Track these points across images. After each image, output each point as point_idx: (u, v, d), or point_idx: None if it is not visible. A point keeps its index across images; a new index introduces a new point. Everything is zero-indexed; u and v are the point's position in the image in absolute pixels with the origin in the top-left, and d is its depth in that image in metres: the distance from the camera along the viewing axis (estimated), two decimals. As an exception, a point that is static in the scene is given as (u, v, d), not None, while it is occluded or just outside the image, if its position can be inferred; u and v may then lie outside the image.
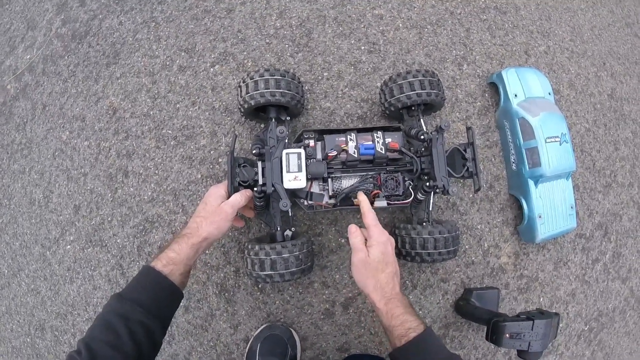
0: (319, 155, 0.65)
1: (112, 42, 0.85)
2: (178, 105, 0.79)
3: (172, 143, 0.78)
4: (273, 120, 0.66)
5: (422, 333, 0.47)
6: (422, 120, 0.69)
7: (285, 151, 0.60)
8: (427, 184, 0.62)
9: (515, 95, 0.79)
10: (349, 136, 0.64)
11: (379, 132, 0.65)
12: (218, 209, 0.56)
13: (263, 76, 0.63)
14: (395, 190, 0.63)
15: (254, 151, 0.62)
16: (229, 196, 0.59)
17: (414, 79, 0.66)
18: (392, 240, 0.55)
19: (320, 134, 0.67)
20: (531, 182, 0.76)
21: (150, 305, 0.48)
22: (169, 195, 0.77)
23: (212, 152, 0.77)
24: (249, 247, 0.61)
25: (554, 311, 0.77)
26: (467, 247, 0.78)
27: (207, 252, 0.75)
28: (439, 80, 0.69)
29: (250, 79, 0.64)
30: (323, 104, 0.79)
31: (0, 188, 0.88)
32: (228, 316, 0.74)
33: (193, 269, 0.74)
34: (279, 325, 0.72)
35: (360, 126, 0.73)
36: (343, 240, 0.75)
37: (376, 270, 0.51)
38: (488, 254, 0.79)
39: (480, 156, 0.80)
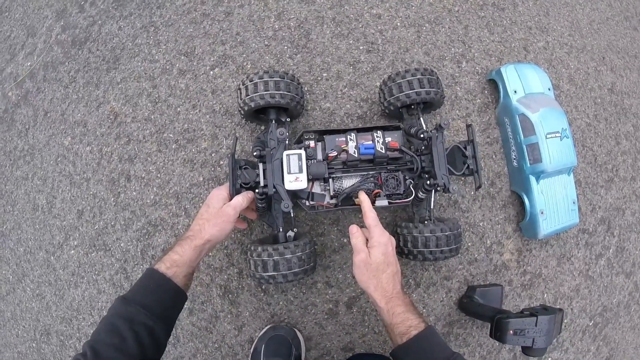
0: (320, 156, 0.65)
1: (111, 47, 0.86)
2: (179, 109, 0.80)
3: (173, 147, 0.78)
4: (273, 122, 0.66)
5: (424, 331, 0.47)
6: (421, 118, 0.69)
7: (285, 152, 0.61)
8: (428, 182, 0.62)
9: (515, 92, 0.79)
10: (348, 136, 0.64)
11: (378, 131, 0.65)
12: (220, 211, 0.57)
13: (262, 78, 0.64)
14: (396, 189, 0.64)
15: (254, 153, 0.62)
16: (231, 198, 0.59)
17: (413, 78, 0.66)
18: (393, 240, 0.56)
19: (321, 134, 0.67)
20: (532, 178, 0.76)
21: (154, 307, 0.49)
22: (171, 199, 0.77)
23: (213, 155, 0.77)
24: (252, 248, 0.61)
25: (557, 307, 0.77)
26: (469, 244, 0.78)
27: (210, 254, 0.75)
28: (438, 78, 0.69)
29: (250, 82, 0.64)
30: (323, 104, 0.79)
31: (3, 194, 0.88)
32: (232, 318, 0.75)
33: (197, 272, 0.75)
34: (283, 325, 0.73)
35: (360, 126, 0.73)
36: (345, 240, 0.76)
37: (377, 271, 0.51)
38: (491, 251, 0.79)
39: (481, 153, 0.80)
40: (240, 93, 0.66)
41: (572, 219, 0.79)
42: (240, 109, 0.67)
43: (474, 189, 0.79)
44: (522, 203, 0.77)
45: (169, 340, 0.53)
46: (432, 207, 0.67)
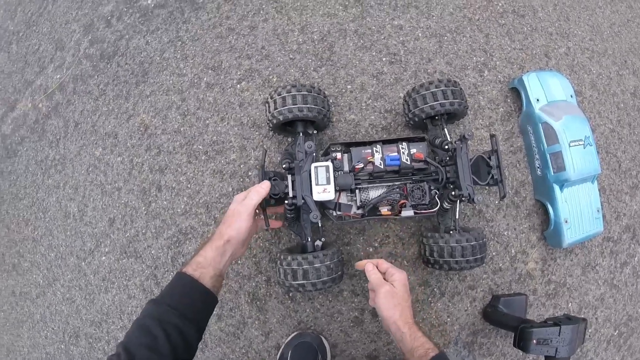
0: (346, 168, 0.67)
1: (140, 61, 0.89)
2: (207, 122, 0.82)
3: (203, 158, 0.81)
4: (301, 134, 0.68)
5: (440, 354, 0.52)
6: (445, 129, 0.70)
7: (314, 165, 0.62)
8: (453, 193, 0.63)
9: (537, 100, 0.79)
10: (374, 148, 0.66)
11: (403, 143, 0.66)
12: (233, 210, 0.59)
13: (290, 92, 0.66)
14: (422, 199, 0.65)
15: (283, 165, 0.64)
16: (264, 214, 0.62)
17: (436, 90, 0.67)
18: (405, 274, 0.61)
19: (347, 146, 0.69)
20: (556, 187, 0.75)
21: (184, 309, 0.50)
22: (201, 208, 0.80)
23: (242, 166, 0.80)
24: (281, 257, 0.63)
25: (581, 316, 0.77)
26: (494, 253, 0.78)
27: (239, 262, 0.77)
28: (461, 89, 0.70)
29: (278, 95, 0.66)
30: (348, 116, 0.81)
31: (35, 202, 0.92)
32: (260, 324, 0.76)
33: (226, 279, 0.77)
34: (310, 332, 0.74)
35: (384, 137, 0.74)
36: (371, 250, 0.77)
37: (402, 300, 0.57)
38: (515, 260, 0.79)
39: (504, 162, 0.81)
40: (269, 106, 0.68)
41: (597, 227, 0.78)
42: (268, 121, 0.69)
43: (498, 199, 0.79)
44: (547, 212, 0.77)
45: (200, 344, 0.54)
46: (457, 217, 0.68)
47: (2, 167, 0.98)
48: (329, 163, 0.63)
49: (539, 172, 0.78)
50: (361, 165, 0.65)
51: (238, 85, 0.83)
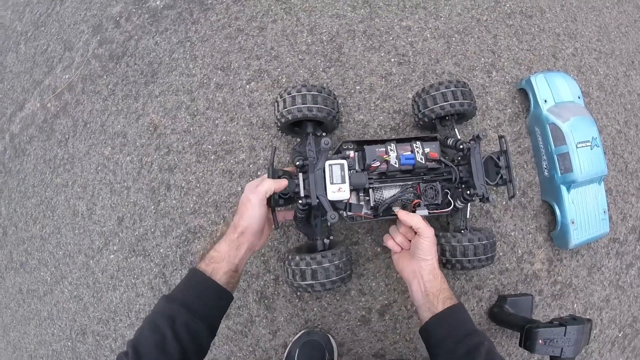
0: (358, 166, 0.67)
1: (149, 61, 0.90)
2: (217, 122, 0.83)
3: (212, 157, 0.81)
4: (310, 134, 0.68)
5: (460, 303, 0.56)
6: (456, 129, 0.70)
7: (328, 162, 0.62)
8: (468, 192, 0.63)
9: (545, 101, 0.79)
10: (389, 147, 0.66)
11: (417, 142, 0.66)
12: (243, 198, 0.57)
13: (300, 92, 0.66)
14: (435, 199, 0.65)
15: (297, 163, 0.63)
16: (271, 207, 0.61)
17: (446, 90, 0.68)
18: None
19: (359, 145, 0.69)
20: (563, 188, 0.76)
21: (196, 306, 0.49)
22: (210, 207, 0.80)
23: (251, 166, 0.80)
24: (289, 257, 0.63)
25: (586, 317, 0.77)
26: (501, 254, 0.79)
27: (247, 261, 0.78)
28: (470, 90, 0.70)
29: (288, 94, 0.67)
30: (356, 116, 0.81)
31: (43, 200, 0.93)
32: (267, 322, 0.77)
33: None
34: (317, 331, 0.75)
35: (393, 137, 0.74)
36: (379, 249, 0.77)
37: (435, 250, 0.61)
38: (522, 261, 0.79)
39: (512, 163, 0.81)
40: (278, 105, 0.68)
41: (603, 228, 0.79)
42: (277, 121, 0.70)
43: (505, 199, 0.80)
44: (553, 213, 0.78)
45: (212, 342, 0.54)
46: (467, 216, 0.68)
47: (11, 166, 0.98)
48: (344, 161, 0.62)
49: (546, 173, 0.79)
50: (377, 163, 0.65)
51: (247, 86, 0.84)
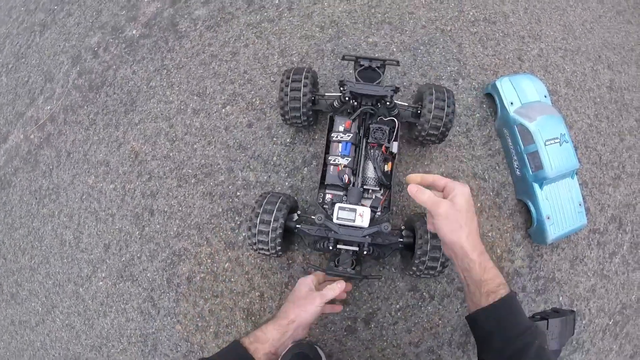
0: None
1: (127, 90, 0.92)
2: (195, 146, 0.85)
3: (192, 181, 0.84)
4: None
5: (511, 295, 0.45)
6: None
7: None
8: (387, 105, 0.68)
9: (512, 103, 0.82)
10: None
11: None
12: (308, 294, 0.59)
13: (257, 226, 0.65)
14: (383, 139, 0.68)
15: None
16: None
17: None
18: (468, 188, 0.50)
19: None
20: (536, 185, 0.78)
21: None
22: (193, 230, 0.82)
23: (230, 187, 0.82)
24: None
25: (569, 308, 0.78)
26: (479, 254, 0.80)
27: (232, 279, 0.79)
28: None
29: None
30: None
31: (31, 231, 0.94)
32: (256, 339, 0.78)
33: (220, 297, 0.79)
34: (305, 343, 0.75)
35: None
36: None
37: (467, 219, 0.47)
38: (502, 259, 0.81)
39: (484, 166, 0.83)
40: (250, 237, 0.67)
41: (580, 220, 0.80)
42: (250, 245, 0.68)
43: (480, 201, 0.81)
44: (529, 210, 0.80)
45: None
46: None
47: (-2, 199, 0.99)
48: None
49: (518, 173, 0.81)
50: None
51: (223, 110, 0.86)
